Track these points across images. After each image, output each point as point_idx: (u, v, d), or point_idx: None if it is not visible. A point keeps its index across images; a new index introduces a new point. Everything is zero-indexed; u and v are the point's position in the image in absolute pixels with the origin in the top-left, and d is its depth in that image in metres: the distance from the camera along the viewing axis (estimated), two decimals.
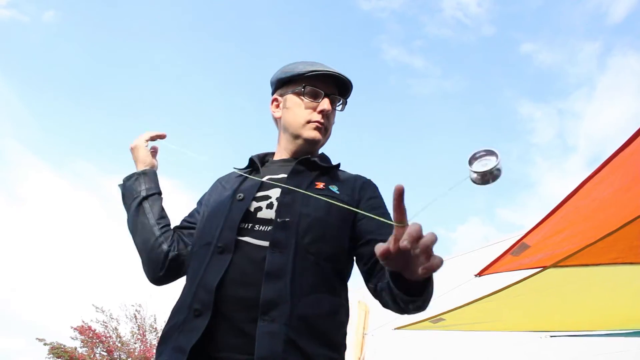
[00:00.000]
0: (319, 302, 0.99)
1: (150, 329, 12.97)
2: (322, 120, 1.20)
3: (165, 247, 1.16)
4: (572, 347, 4.52)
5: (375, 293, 1.05)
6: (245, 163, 1.29)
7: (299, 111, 1.21)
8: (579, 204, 1.89)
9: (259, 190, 1.13)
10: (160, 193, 1.25)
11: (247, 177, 1.21)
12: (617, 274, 2.16)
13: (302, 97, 1.21)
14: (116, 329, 12.91)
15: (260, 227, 1.05)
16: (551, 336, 3.38)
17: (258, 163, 1.24)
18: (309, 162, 1.20)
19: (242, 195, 1.12)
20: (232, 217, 1.07)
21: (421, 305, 0.91)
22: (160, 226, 1.18)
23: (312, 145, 1.22)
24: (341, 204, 1.08)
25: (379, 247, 0.73)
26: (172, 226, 1.23)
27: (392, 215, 0.75)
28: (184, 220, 1.26)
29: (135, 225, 1.19)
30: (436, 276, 0.95)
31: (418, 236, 0.69)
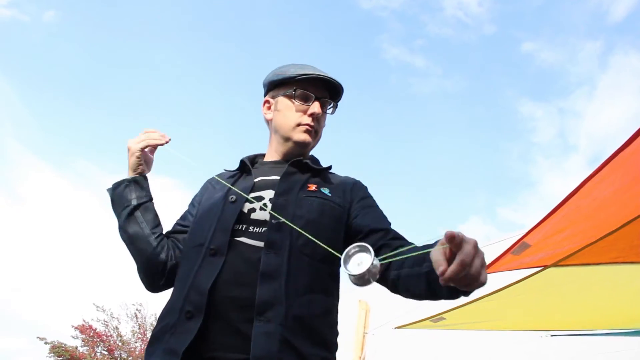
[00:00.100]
0: (313, 302, 1.00)
1: (151, 328, 12.97)
2: (312, 123, 1.22)
3: (163, 257, 1.14)
4: (572, 346, 4.53)
5: (385, 280, 1.02)
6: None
7: (290, 114, 1.22)
8: (579, 203, 1.89)
9: (251, 192, 1.13)
10: (151, 199, 1.22)
11: (238, 178, 1.21)
12: (618, 273, 2.17)
13: (293, 100, 1.22)
14: (117, 328, 12.94)
15: (255, 229, 1.06)
16: (552, 335, 3.38)
17: (249, 164, 1.25)
18: (301, 164, 1.22)
19: (234, 197, 1.13)
20: (225, 219, 1.08)
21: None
22: (156, 236, 1.16)
23: (302, 148, 1.24)
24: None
25: (440, 267, 0.74)
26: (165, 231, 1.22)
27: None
28: (177, 224, 1.25)
29: (129, 235, 1.16)
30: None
31: (471, 262, 0.72)
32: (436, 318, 2.73)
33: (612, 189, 1.85)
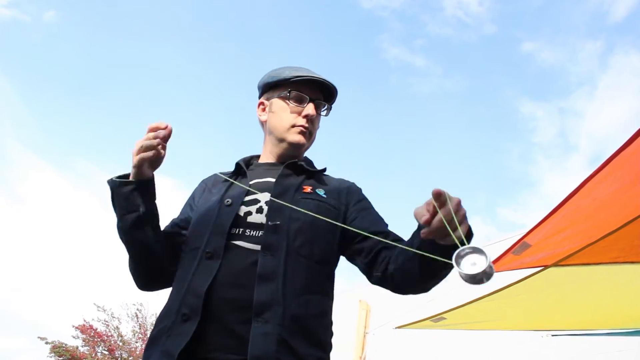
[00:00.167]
0: (310, 303, 1.02)
1: (152, 328, 12.98)
2: (306, 125, 1.22)
3: (165, 263, 1.13)
4: (573, 346, 4.53)
5: (385, 277, 1.05)
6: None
7: (284, 115, 1.23)
8: (580, 203, 1.89)
9: (247, 195, 1.13)
10: (155, 205, 1.14)
11: (233, 182, 1.20)
12: (618, 273, 2.17)
13: (288, 102, 1.23)
14: (117, 327, 12.95)
15: (251, 232, 1.06)
16: (552, 335, 3.38)
17: (244, 167, 1.25)
18: (296, 166, 1.22)
19: (230, 200, 1.13)
20: (221, 222, 1.08)
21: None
22: (160, 243, 1.13)
23: (296, 149, 1.24)
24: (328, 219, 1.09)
25: (420, 215, 0.82)
26: (163, 228, 1.19)
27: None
28: (175, 224, 1.22)
29: (132, 240, 1.11)
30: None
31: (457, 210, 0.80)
32: (436, 318, 2.73)
33: (613, 189, 1.85)
